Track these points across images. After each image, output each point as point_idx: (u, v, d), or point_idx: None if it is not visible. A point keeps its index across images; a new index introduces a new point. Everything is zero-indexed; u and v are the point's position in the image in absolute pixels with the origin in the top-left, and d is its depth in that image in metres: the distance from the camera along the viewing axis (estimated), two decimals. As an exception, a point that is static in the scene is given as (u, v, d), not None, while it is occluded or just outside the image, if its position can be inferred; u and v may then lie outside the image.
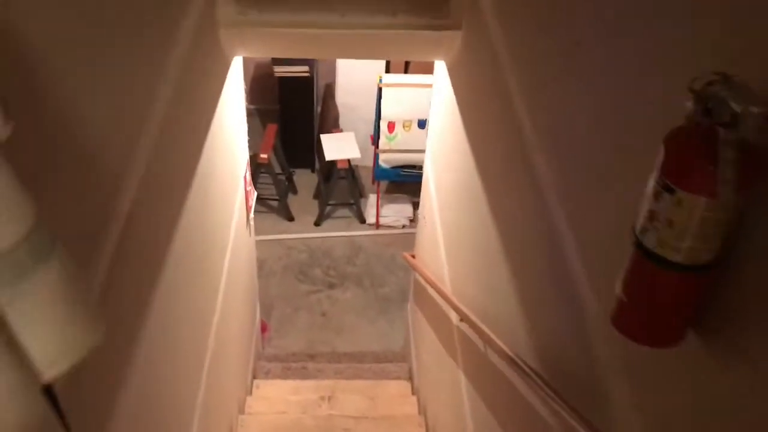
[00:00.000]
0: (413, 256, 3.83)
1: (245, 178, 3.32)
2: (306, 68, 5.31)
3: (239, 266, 3.28)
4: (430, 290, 3.04)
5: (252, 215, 3.62)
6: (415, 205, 5.45)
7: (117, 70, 1.31)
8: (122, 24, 1.34)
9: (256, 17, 2.50)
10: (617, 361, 1.16)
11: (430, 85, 4.98)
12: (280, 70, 5.31)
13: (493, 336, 1.80)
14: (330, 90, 5.78)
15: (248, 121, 5.95)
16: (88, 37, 1.15)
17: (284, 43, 2.76)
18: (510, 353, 1.64)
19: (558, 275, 1.38)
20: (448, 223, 2.90)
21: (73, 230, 1.08)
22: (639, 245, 0.82)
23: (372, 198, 5.47)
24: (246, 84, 6.42)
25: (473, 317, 2.02)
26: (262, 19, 2.52)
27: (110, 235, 1.25)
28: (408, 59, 4.81)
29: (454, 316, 2.50)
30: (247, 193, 3.37)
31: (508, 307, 1.78)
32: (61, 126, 1.04)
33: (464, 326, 2.22)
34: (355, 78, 5.43)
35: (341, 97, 5.57)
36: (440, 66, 3.12)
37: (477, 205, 2.21)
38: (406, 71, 5.20)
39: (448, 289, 2.68)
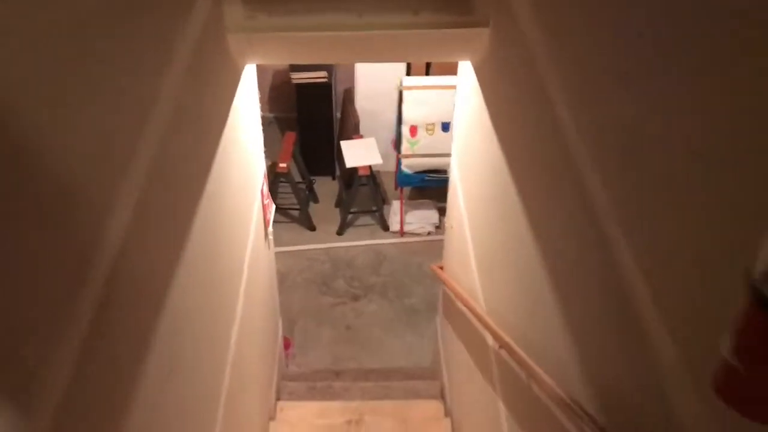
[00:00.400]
0: (441, 268, 3.63)
1: (262, 191, 3.15)
2: (324, 74, 5.13)
3: (258, 285, 3.10)
4: (462, 306, 2.84)
5: (271, 229, 3.45)
6: (441, 211, 5.25)
7: (105, 88, 1.13)
8: (107, 36, 1.17)
9: (266, 21, 2.32)
10: (702, 421, 0.95)
11: (453, 87, 4.77)
12: (297, 77, 5.15)
13: (540, 371, 1.59)
14: (349, 95, 5.60)
15: (267, 130, 5.80)
16: (63, 54, 0.97)
17: (298, 48, 2.58)
18: (561, 394, 1.43)
19: (620, 310, 1.17)
20: (478, 235, 2.69)
21: (50, 271, 0.91)
22: (762, 300, 0.62)
23: (395, 205, 5.28)
24: (264, 92, 6.28)
25: (516, 347, 1.81)
26: (272, 23, 2.34)
27: (95, 276, 1.07)
28: (432, 60, 4.59)
29: (489, 339, 2.29)
30: (264, 206, 3.20)
31: (556, 339, 1.57)
32: (36, 156, 0.86)
33: (503, 353, 2.01)
34: (374, 82, 5.24)
35: (361, 101, 5.39)
36: (465, 66, 2.92)
37: (513, 219, 2.00)
38: (427, 73, 5.00)
39: (482, 308, 2.47)
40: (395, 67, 5.07)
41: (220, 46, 2.24)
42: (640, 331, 1.09)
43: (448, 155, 5.01)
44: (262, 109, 6.30)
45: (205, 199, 1.92)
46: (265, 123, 6.27)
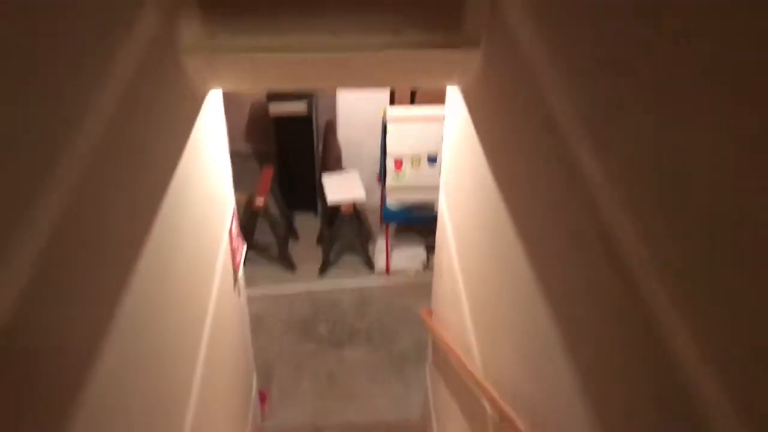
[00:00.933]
0: (431, 313, 3.31)
1: (231, 232, 2.84)
2: (303, 105, 4.87)
3: (226, 338, 2.77)
4: (455, 364, 2.52)
5: (241, 273, 3.13)
6: (429, 249, 4.95)
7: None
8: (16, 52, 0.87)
9: (229, 41, 2.04)
10: None
11: (440, 118, 4.52)
12: (276, 109, 4.87)
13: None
14: (331, 127, 5.33)
15: (245, 165, 5.49)
16: None
17: (267, 72, 2.30)
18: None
19: (662, 383, 0.87)
20: (473, 281, 2.39)
21: None
22: None
23: (381, 242, 4.98)
24: (241, 125, 6.01)
25: (520, 423, 1.50)
26: (236, 44, 2.06)
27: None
28: (415, 86, 4.33)
29: (487, 404, 1.97)
30: (234, 249, 2.89)
31: (575, 416, 1.26)
32: None
33: (505, 427, 1.70)
34: (357, 112, 4.98)
35: (343, 133, 5.12)
36: (453, 92, 2.66)
37: (514, 267, 1.70)
38: (412, 102, 4.76)
39: (478, 367, 2.16)
40: (378, 97, 4.82)
41: (173, 69, 1.95)
42: (687, 402, 0.79)
43: (436, 189, 4.74)
44: (239, 144, 6.02)
45: (152, 243, 1.61)
46: (242, 157, 5.99)
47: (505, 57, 1.84)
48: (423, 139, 4.46)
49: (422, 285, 4.76)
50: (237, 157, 6.14)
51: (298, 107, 4.86)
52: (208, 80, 2.28)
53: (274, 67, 2.23)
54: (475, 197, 2.26)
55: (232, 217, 2.90)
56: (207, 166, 2.42)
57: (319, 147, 5.61)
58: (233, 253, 2.88)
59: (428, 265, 4.90)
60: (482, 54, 2.06)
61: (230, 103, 5.72)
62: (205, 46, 2.06)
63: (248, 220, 4.74)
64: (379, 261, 4.88)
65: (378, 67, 2.28)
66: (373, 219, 5.31)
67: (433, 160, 4.52)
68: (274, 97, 4.94)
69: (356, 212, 4.80)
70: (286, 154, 5.10)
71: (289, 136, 5.01)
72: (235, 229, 2.94)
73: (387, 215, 4.71)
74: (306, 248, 5.08)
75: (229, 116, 5.54)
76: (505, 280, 1.88)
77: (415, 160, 4.53)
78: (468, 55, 2.12)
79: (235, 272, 2.98)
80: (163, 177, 1.82)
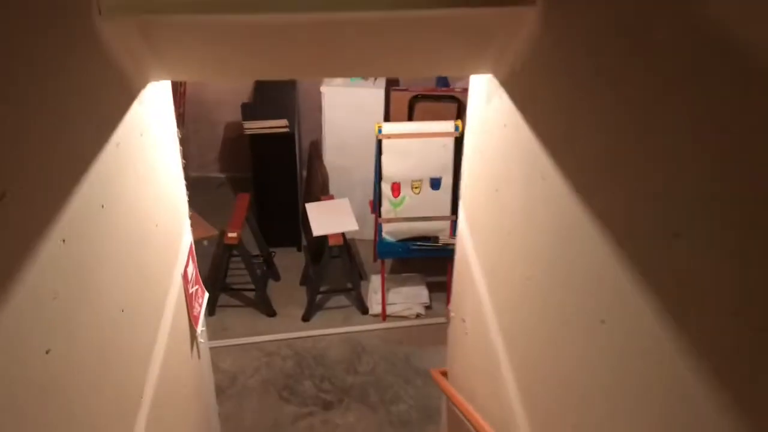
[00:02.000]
0: (445, 374, 2.61)
1: (186, 274, 2.14)
2: (284, 122, 4.20)
3: (177, 412, 2.05)
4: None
5: (202, 327, 2.41)
6: (432, 287, 4.25)
7: None
8: None
9: (167, -6, 1.37)
10: None
11: (444, 134, 3.88)
12: (251, 126, 4.20)
13: None
14: (316, 148, 4.67)
15: (217, 194, 4.79)
16: None
17: (228, 49, 1.63)
18: None
19: None
20: (519, 336, 1.70)
21: None
22: None
23: (375, 281, 4.27)
24: (214, 148, 5.34)
25: None
26: (182, 0, 1.39)
27: None
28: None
29: None
30: (190, 296, 2.19)
31: None
32: None
33: None
34: (346, 130, 4.33)
35: (330, 155, 4.46)
36: (479, 84, 2.00)
37: (614, 319, 1.02)
38: (410, 118, 4.10)
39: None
40: (371, 111, 4.17)
41: (83, 43, 1.28)
42: None
43: (440, 218, 4.07)
44: (212, 169, 5.33)
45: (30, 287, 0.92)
46: (215, 184, 5.30)
47: (586, 20, 1.19)
48: (425, 159, 3.80)
49: (425, 331, 4.06)
50: (209, 184, 5.47)
51: (277, 124, 4.19)
52: (143, 62, 1.61)
53: (237, 40, 1.56)
54: (525, 216, 1.59)
55: (188, 255, 2.20)
56: (147, 187, 1.73)
57: (302, 172, 4.93)
58: (189, 302, 2.18)
59: (431, 307, 4.19)
60: (540, 16, 1.41)
61: (201, 122, 5.05)
62: (136, 5, 1.39)
63: (220, 258, 4.03)
64: (374, 303, 4.17)
65: (381, 43, 1.62)
66: (366, 254, 4.61)
67: (436, 183, 3.86)
68: (250, 112, 4.27)
69: (346, 246, 4.11)
70: (264, 180, 4.41)
71: (267, 158, 4.33)
72: (192, 272, 2.24)
73: (382, 249, 4.02)
74: (288, 289, 4.35)
75: (200, 138, 4.84)
76: (590, 338, 1.20)
77: (416, 185, 3.86)
78: (515, 18, 1.47)
79: (194, 325, 2.26)
80: (62, 192, 1.12)
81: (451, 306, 2.52)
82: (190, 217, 2.31)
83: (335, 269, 4.17)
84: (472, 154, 2.14)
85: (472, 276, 2.13)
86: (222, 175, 5.35)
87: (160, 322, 1.85)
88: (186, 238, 2.21)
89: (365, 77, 4.17)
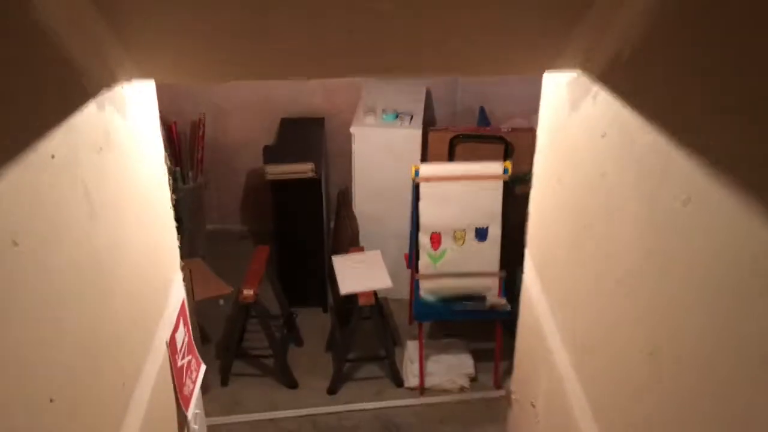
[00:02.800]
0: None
1: (173, 341, 1.64)
2: (310, 166, 3.76)
3: None
4: None
5: (196, 410, 1.89)
6: (478, 356, 3.68)
7: None
8: None
9: None
10: None
11: (491, 177, 3.40)
12: (274, 171, 3.77)
13: None
14: (345, 195, 4.21)
15: (239, 248, 4.33)
16: None
17: (216, 27, 1.17)
18: None
19: None
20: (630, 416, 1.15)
21: None
22: None
23: (411, 347, 3.72)
24: (236, 198, 4.93)
25: None
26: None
27: None
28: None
29: None
30: (178, 370, 1.68)
31: None
32: None
33: None
34: (378, 175, 3.86)
35: (361, 203, 3.98)
36: (557, 87, 1.52)
37: None
38: (451, 158, 3.62)
39: None
40: (406, 155, 3.70)
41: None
42: None
43: (487, 274, 3.53)
44: (233, 220, 4.89)
45: None
46: (235, 238, 4.86)
47: None
48: (469, 206, 3.30)
49: (471, 408, 3.47)
50: (229, 238, 5.03)
51: (302, 169, 3.75)
52: (103, 48, 1.15)
53: (239, 17, 1.11)
54: (648, 259, 1.06)
55: (179, 317, 1.71)
56: (109, 222, 1.25)
57: (330, 222, 4.47)
58: (178, 378, 1.67)
59: (477, 378, 3.61)
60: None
61: (221, 169, 4.65)
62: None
63: (235, 319, 3.53)
64: (410, 374, 3.61)
65: (435, 21, 1.15)
66: (401, 316, 4.07)
67: (482, 234, 3.34)
68: (273, 156, 3.85)
69: (378, 306, 3.59)
70: (287, 231, 3.94)
71: (291, 207, 3.87)
72: (183, 339, 1.74)
73: (420, 310, 3.48)
74: (312, 356, 3.82)
75: (220, 186, 4.40)
76: None
77: (459, 235, 3.35)
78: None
79: (183, 409, 1.75)
80: None
81: (513, 385, 1.96)
82: (201, 274, 1.85)
83: (365, 333, 3.63)
84: (545, 184, 1.63)
85: (546, 347, 1.59)
86: (244, 228, 4.91)
87: (126, 410, 1.34)
88: (175, 295, 1.73)
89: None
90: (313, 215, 3.89)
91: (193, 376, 1.82)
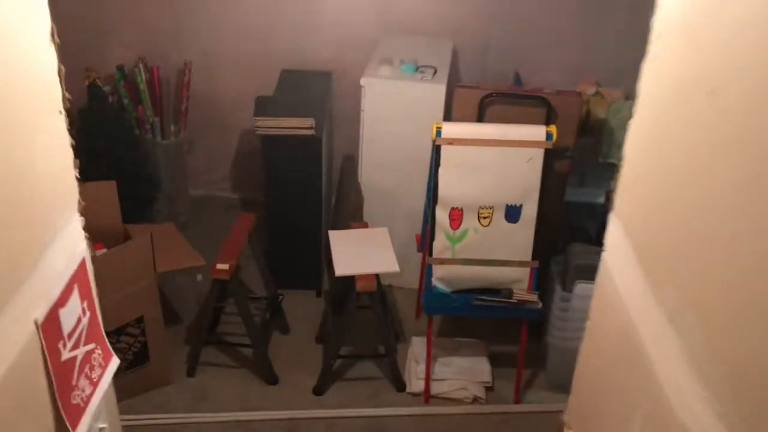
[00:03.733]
0: None
1: (52, 321, 1.04)
2: (309, 122, 3.15)
3: None
4: None
5: (101, 425, 1.28)
6: (497, 360, 3.07)
7: None
8: None
9: None
10: None
11: (531, 143, 2.74)
12: (265, 125, 3.16)
13: None
14: (350, 165, 3.59)
15: (227, 218, 3.76)
16: None
17: None
18: None
19: None
20: None
21: None
22: None
23: (418, 346, 3.11)
24: (225, 163, 4.31)
25: None
26: None
27: None
28: None
29: None
30: (61, 366, 1.08)
31: None
32: None
33: None
34: (391, 140, 3.24)
35: (368, 172, 3.36)
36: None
37: None
38: (480, 118, 2.98)
39: None
40: (426, 115, 3.08)
41: None
42: None
43: (516, 263, 2.87)
44: (221, 187, 4.27)
45: None
46: (223, 207, 4.24)
47: None
48: (500, 178, 2.68)
49: (484, 423, 2.86)
50: (216, 206, 4.38)
51: (299, 124, 3.14)
52: None
53: None
54: None
55: (71, 283, 1.10)
56: None
57: (330, 196, 3.86)
58: (61, 382, 1.06)
59: (494, 388, 3.00)
60: None
61: (210, 127, 4.03)
62: None
63: (208, 298, 2.93)
64: (414, 377, 3.00)
65: None
66: (407, 307, 3.46)
67: (514, 213, 2.72)
68: (266, 108, 3.24)
69: (380, 294, 2.98)
70: (278, 199, 3.34)
71: (284, 169, 3.26)
72: (77, 317, 1.14)
73: (431, 302, 2.87)
74: (298, 348, 3.22)
75: (208, 147, 3.77)
76: None
77: (484, 213, 2.73)
78: None
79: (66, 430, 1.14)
80: None
81: (569, 416, 1.34)
82: (171, 241, 1.25)
83: (363, 325, 3.03)
84: (675, 104, 0.99)
85: (646, 369, 0.97)
86: (234, 196, 4.31)
87: None
88: (64, 251, 1.11)
89: None
90: (310, 181, 3.28)
91: (95, 374, 1.22)
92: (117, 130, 3.44)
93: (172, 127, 3.77)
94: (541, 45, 3.72)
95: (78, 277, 1.15)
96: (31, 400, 1.03)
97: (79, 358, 1.16)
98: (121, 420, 1.46)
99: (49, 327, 1.05)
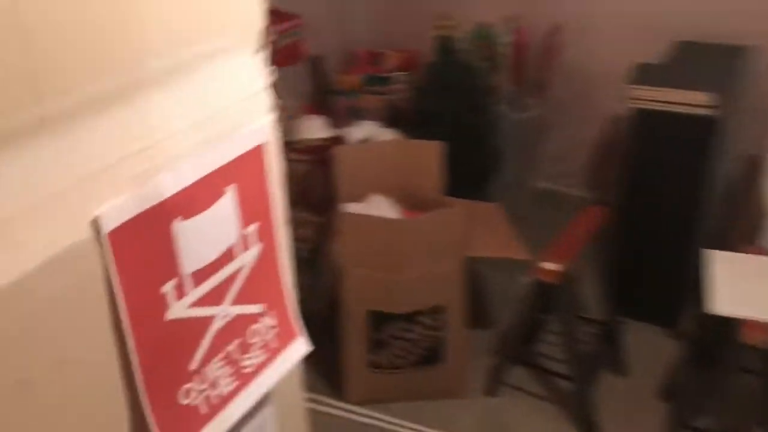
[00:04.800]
0: None
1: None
2: (704, 97, 2.27)
3: None
4: None
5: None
6: None
7: None
8: None
9: None
10: None
11: None
12: (641, 97, 2.38)
13: None
14: (755, 163, 2.57)
15: (568, 217, 3.01)
16: None
17: None
18: None
19: None
20: None
21: None
22: None
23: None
24: (581, 151, 3.57)
25: None
26: None
27: None
28: None
29: None
30: (172, 326, 0.58)
31: None
32: None
33: None
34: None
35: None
36: None
37: None
38: None
39: None
40: None
41: None
42: None
43: None
44: (571, 182, 3.55)
45: None
46: (570, 205, 3.51)
47: None
48: None
49: None
50: (559, 203, 3.64)
51: (689, 99, 2.28)
52: None
53: None
54: None
55: (230, 169, 0.58)
56: None
57: (717, 204, 2.87)
58: (150, 385, 0.54)
59: None
60: None
61: (568, 108, 3.35)
62: None
63: (528, 304, 2.30)
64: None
65: None
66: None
67: None
68: (649, 76, 2.45)
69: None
70: (643, 197, 2.52)
71: (658, 159, 2.44)
72: (218, 252, 0.60)
73: None
74: (632, 398, 2.38)
75: (561, 132, 3.19)
76: None
77: None
78: None
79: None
80: None
81: None
82: (494, 224, 0.76)
83: (741, 393, 2.05)
84: None
85: None
86: (586, 195, 3.57)
87: None
88: (215, 88, 0.60)
89: None
90: (692, 179, 2.39)
91: (251, 359, 0.69)
92: (464, 92, 3.02)
93: (529, 101, 3.22)
94: None
95: (245, 167, 0.62)
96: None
97: (217, 324, 0.64)
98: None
99: (139, 248, 0.54)
